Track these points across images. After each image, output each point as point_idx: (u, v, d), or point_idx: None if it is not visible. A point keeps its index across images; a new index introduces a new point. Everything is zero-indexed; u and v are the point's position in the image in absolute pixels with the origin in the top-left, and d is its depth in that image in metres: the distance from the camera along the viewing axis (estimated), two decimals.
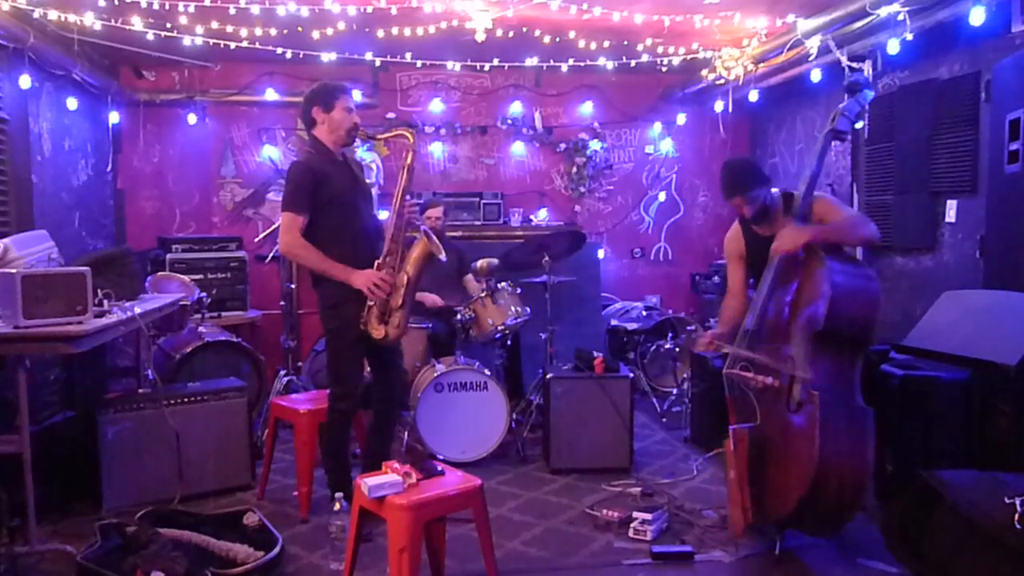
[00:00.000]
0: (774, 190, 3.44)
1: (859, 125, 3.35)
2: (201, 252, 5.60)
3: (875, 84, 4.98)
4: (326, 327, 3.43)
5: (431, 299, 4.81)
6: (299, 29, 4.83)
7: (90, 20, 4.46)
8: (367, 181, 3.60)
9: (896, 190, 4.78)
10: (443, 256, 3.35)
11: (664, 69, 5.91)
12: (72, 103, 5.23)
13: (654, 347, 5.74)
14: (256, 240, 5.86)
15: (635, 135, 6.86)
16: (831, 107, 5.57)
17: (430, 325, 4.69)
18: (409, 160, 3.43)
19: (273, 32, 4.86)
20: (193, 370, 4.51)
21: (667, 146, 6.86)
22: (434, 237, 3.34)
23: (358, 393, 3.42)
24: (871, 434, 2.96)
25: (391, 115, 6.33)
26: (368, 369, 3.62)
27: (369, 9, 4.50)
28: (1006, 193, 3.66)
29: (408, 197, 3.40)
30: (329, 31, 4.90)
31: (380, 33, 4.97)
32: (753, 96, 5.66)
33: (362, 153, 6.15)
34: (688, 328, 5.58)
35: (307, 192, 3.25)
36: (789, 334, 3.11)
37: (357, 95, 6.22)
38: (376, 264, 3.31)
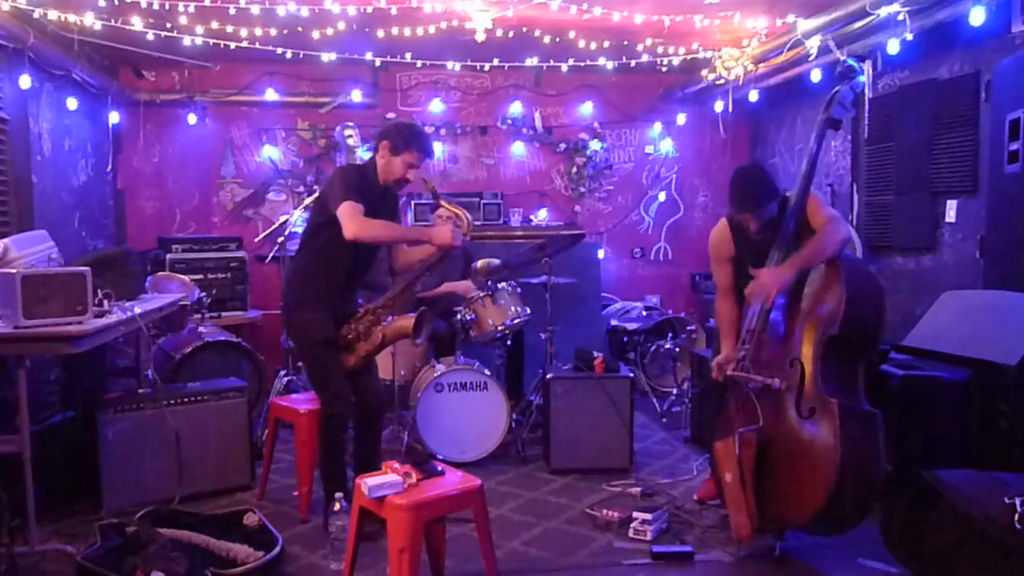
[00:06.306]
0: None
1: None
2: (201, 252, 5.61)
3: (875, 84, 4.99)
4: (296, 341, 3.50)
5: (464, 286, 4.86)
6: (299, 29, 4.83)
7: (90, 20, 4.46)
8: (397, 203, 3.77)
9: (896, 190, 4.77)
10: (420, 342, 3.47)
11: (664, 69, 5.91)
12: (72, 103, 5.22)
13: (654, 347, 5.74)
14: (256, 240, 5.86)
15: (635, 135, 6.86)
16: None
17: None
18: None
19: (273, 32, 4.86)
20: (193, 370, 4.50)
21: (667, 146, 6.86)
22: (424, 327, 3.42)
23: (348, 394, 3.37)
24: (883, 437, 2.92)
25: (391, 115, 6.31)
26: None
27: (369, 9, 4.50)
28: (1006, 193, 3.66)
29: (418, 287, 3.62)
30: (329, 31, 4.90)
31: (380, 33, 4.97)
32: (753, 96, 5.66)
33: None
34: (688, 328, 5.58)
35: (358, 189, 3.26)
36: (797, 336, 3.06)
37: (357, 95, 6.25)
38: (364, 308, 3.43)
